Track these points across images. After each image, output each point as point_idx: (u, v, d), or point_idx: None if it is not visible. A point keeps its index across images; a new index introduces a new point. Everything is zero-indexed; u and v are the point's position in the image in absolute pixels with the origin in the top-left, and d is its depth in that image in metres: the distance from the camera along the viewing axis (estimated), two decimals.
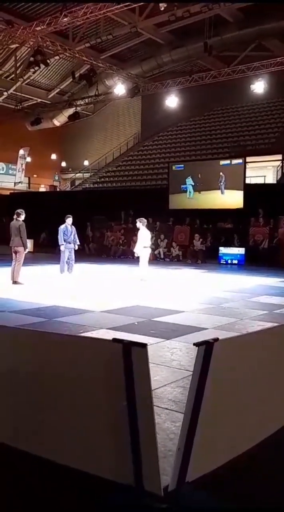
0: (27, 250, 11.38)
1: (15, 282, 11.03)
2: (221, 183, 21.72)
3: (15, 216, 11.35)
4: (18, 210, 11.38)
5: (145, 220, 11.85)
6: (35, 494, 2.68)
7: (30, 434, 3.02)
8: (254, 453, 3.00)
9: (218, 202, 21.83)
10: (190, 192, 22.71)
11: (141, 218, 11.85)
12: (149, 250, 11.82)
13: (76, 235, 12.70)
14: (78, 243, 12.97)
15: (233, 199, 21.37)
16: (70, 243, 12.49)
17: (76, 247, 12.86)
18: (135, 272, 11.98)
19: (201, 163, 24.24)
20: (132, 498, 2.54)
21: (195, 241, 20.08)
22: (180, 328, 6.80)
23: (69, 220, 12.53)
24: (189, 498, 2.58)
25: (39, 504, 2.61)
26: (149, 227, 22.11)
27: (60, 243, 12.46)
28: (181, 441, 2.60)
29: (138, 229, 12.03)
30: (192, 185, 22.57)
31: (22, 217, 11.29)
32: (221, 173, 21.77)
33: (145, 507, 2.51)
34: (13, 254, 11.22)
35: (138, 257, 12.25)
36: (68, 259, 12.52)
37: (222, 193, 21.77)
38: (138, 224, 11.80)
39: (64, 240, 12.44)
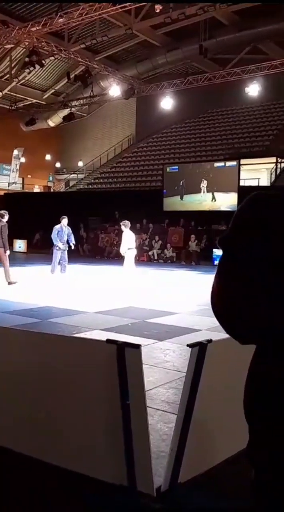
0: (7, 252, 11.29)
1: None
2: (203, 187, 22.03)
3: None
4: (1, 211, 11.32)
5: (129, 222, 11.96)
6: (32, 496, 2.68)
7: (25, 436, 3.01)
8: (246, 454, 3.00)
9: (212, 204, 21.93)
10: (181, 195, 22.86)
11: (124, 221, 11.93)
12: (134, 252, 11.86)
13: (71, 235, 12.72)
14: (74, 242, 12.95)
15: (227, 201, 21.45)
16: (63, 244, 12.46)
17: (72, 246, 12.84)
18: (120, 275, 11.95)
19: (195, 165, 24.29)
20: (125, 499, 2.54)
21: (190, 242, 20.12)
22: (174, 330, 6.81)
23: (65, 221, 12.56)
24: (181, 499, 2.59)
25: (36, 506, 2.60)
26: (144, 228, 22.32)
27: (55, 243, 12.40)
28: (174, 442, 2.61)
29: (122, 232, 12.09)
30: (184, 188, 22.68)
31: (6, 218, 11.23)
32: (203, 179, 22.04)
33: (137, 508, 2.51)
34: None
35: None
36: (61, 259, 12.47)
37: (201, 194, 22.11)
38: (122, 227, 11.89)
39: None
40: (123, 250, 11.82)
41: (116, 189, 29.58)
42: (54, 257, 12.51)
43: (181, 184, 22.79)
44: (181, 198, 22.90)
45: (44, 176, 38.45)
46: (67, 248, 12.64)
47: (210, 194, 22.03)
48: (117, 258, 20.83)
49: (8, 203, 25.09)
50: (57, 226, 12.46)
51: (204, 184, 22.23)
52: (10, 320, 7.12)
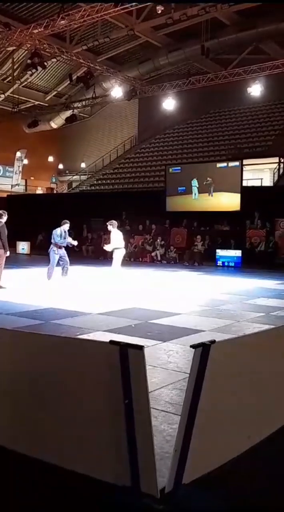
0: (7, 253, 10.88)
1: None
2: (210, 187, 22.10)
3: None
4: (0, 211, 10.82)
5: (116, 222, 11.94)
6: (33, 497, 2.68)
7: (28, 437, 3.02)
8: (250, 455, 3.00)
9: (215, 205, 21.91)
10: (195, 194, 22.74)
11: (111, 221, 11.86)
12: (122, 252, 11.80)
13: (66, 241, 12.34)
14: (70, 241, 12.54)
15: (230, 201, 21.43)
16: (60, 248, 12.13)
17: (70, 243, 12.45)
18: (110, 275, 11.86)
19: (198, 165, 24.29)
20: (129, 500, 2.54)
21: (197, 242, 20.13)
22: (177, 330, 6.81)
23: (66, 226, 12.18)
24: (185, 500, 2.59)
25: (38, 507, 2.60)
26: (147, 229, 22.33)
27: (61, 244, 12.03)
28: (177, 443, 2.60)
29: (110, 232, 11.96)
30: (197, 187, 22.60)
31: (4, 218, 10.74)
32: (208, 178, 22.04)
33: (141, 509, 2.51)
34: None
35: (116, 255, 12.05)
36: (63, 262, 12.10)
37: (210, 195, 22.10)
38: (109, 227, 11.78)
39: (56, 243, 12.06)
40: (109, 247, 11.75)
41: (118, 190, 29.61)
42: (51, 260, 12.01)
43: (191, 184, 22.69)
44: (196, 195, 22.76)
45: (47, 177, 38.54)
46: (64, 253, 12.29)
47: (225, 194, 21.94)
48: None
49: (11, 205, 25.13)
50: (58, 231, 12.12)
51: (195, 184, 22.37)
52: (13, 321, 7.13)
